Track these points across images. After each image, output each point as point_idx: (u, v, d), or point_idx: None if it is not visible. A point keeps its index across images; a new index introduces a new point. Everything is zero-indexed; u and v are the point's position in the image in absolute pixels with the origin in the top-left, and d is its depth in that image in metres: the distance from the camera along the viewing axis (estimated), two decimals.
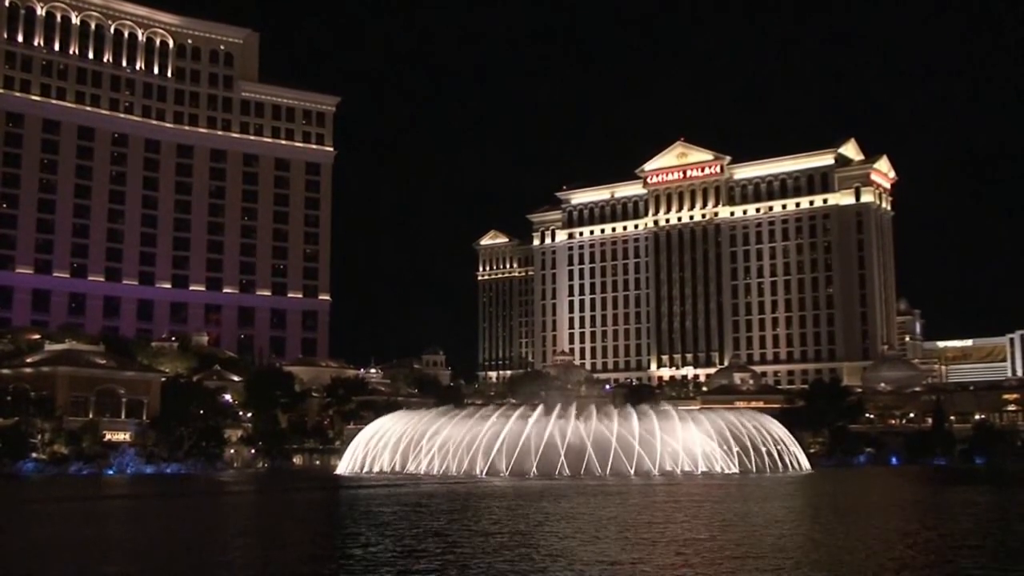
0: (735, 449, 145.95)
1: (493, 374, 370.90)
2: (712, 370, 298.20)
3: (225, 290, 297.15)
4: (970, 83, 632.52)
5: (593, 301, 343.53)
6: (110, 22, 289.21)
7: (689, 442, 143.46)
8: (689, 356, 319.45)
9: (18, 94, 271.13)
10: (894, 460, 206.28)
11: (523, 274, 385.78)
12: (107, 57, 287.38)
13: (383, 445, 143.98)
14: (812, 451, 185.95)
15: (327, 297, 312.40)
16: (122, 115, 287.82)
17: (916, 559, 45.81)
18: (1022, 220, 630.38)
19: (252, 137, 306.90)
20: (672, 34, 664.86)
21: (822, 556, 46.17)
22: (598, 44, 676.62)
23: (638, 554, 46.31)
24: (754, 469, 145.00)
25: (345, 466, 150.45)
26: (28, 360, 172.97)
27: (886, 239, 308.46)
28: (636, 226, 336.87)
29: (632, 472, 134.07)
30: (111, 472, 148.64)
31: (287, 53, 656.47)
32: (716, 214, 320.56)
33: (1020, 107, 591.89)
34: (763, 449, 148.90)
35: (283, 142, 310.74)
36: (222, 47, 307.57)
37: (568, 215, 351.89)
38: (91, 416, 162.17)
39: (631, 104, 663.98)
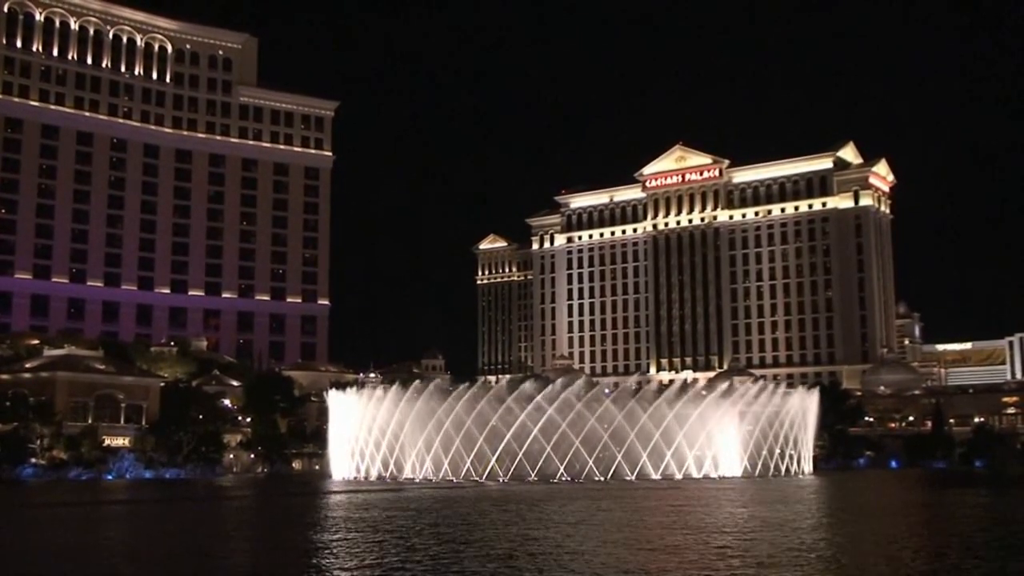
0: (745, 453, 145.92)
1: (492, 378, 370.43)
2: (711, 373, 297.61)
3: (224, 295, 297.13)
4: (970, 85, 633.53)
5: (592, 305, 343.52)
6: (109, 27, 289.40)
7: (704, 444, 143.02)
8: (688, 360, 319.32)
9: (17, 99, 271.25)
10: (894, 463, 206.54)
11: (522, 278, 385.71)
12: (106, 62, 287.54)
13: (374, 446, 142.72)
14: (812, 454, 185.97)
15: (326, 301, 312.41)
16: (121, 120, 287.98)
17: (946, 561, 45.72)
18: (1022, 223, 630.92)
19: (251, 142, 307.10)
20: (670, 37, 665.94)
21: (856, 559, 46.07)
22: (597, 47, 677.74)
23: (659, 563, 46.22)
24: (756, 473, 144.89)
25: (339, 471, 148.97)
26: (27, 365, 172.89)
27: (885, 242, 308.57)
28: (635, 230, 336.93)
29: (633, 476, 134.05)
30: (110, 477, 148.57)
31: (285, 57, 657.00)
32: (715, 217, 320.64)
33: (1020, 110, 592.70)
34: (774, 452, 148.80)
35: (282, 147, 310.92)
36: (220, 52, 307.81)
37: (567, 219, 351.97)
38: (90, 421, 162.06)
39: (630, 107, 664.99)
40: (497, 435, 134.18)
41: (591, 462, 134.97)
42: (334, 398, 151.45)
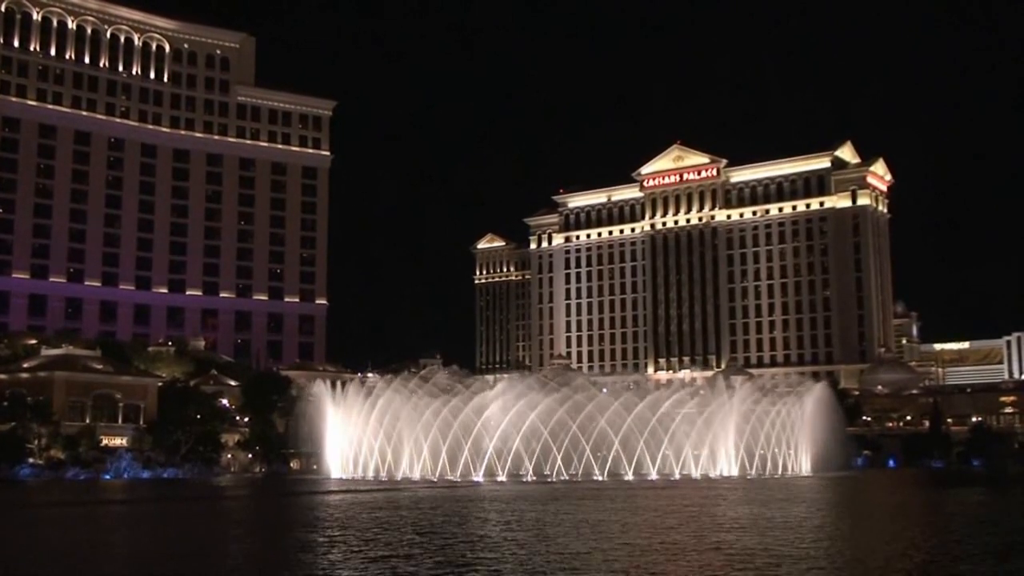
0: (744, 452, 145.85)
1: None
2: (709, 373, 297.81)
3: (222, 294, 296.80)
4: (967, 84, 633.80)
5: (590, 304, 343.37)
6: (106, 27, 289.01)
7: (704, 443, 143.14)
8: (686, 359, 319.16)
9: (14, 99, 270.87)
10: (892, 463, 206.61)
11: (520, 277, 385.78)
12: (103, 62, 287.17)
13: (371, 446, 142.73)
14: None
15: (324, 301, 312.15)
16: (118, 119, 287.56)
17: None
18: (1019, 221, 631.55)
19: (248, 141, 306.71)
20: (668, 37, 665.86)
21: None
22: (595, 47, 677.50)
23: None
24: (753, 472, 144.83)
25: (336, 469, 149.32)
26: (25, 365, 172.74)
27: (883, 241, 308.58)
28: (633, 229, 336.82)
29: (630, 474, 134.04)
30: (108, 477, 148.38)
31: (283, 57, 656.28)
32: (713, 217, 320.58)
33: (1017, 108, 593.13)
34: (773, 451, 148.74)
35: (279, 146, 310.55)
36: (218, 51, 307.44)
37: (565, 218, 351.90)
38: (88, 421, 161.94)
39: (627, 107, 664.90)
40: (494, 434, 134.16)
41: (585, 461, 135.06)
42: (322, 393, 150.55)
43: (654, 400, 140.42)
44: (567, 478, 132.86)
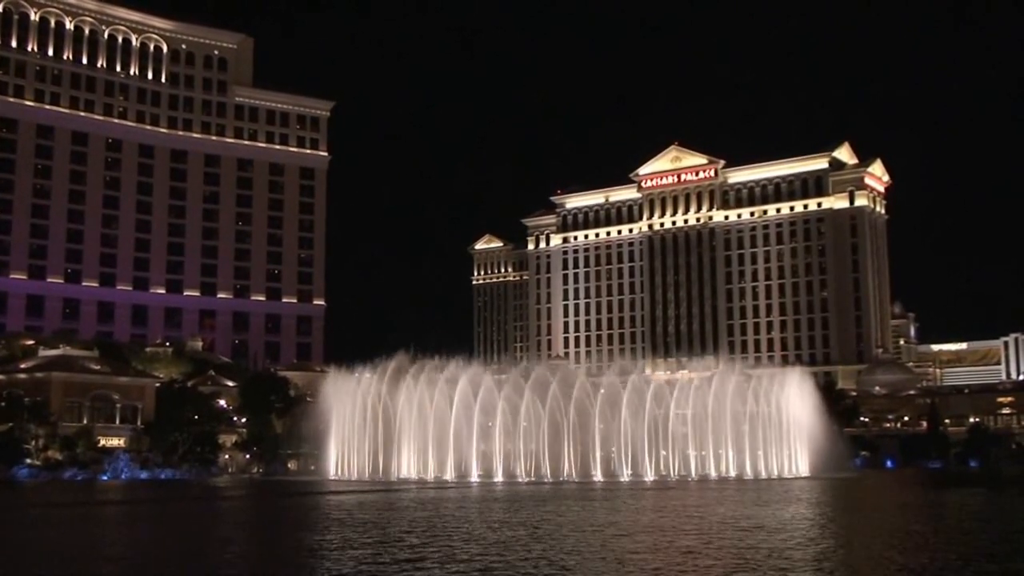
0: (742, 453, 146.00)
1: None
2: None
3: (219, 295, 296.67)
4: (965, 85, 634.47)
5: (588, 305, 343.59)
6: (104, 27, 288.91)
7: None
8: (684, 359, 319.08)
9: (12, 99, 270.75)
10: (889, 463, 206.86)
11: (518, 278, 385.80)
12: (101, 62, 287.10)
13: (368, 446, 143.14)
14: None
15: (322, 302, 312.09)
16: (116, 120, 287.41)
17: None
18: (1017, 222, 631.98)
19: (246, 142, 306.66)
20: (666, 37, 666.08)
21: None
22: (593, 48, 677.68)
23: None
24: (750, 473, 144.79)
25: (333, 470, 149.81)
26: (22, 365, 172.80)
27: (880, 242, 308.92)
28: (631, 230, 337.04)
29: (626, 474, 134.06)
30: (105, 478, 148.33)
31: (281, 57, 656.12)
32: (710, 218, 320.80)
33: (1015, 109, 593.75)
34: (769, 452, 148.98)
35: (277, 147, 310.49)
36: (216, 52, 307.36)
37: (563, 219, 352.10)
38: (85, 421, 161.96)
39: (626, 108, 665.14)
40: (493, 435, 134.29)
41: (582, 461, 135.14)
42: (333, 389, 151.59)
43: (612, 393, 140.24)
44: (565, 478, 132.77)
